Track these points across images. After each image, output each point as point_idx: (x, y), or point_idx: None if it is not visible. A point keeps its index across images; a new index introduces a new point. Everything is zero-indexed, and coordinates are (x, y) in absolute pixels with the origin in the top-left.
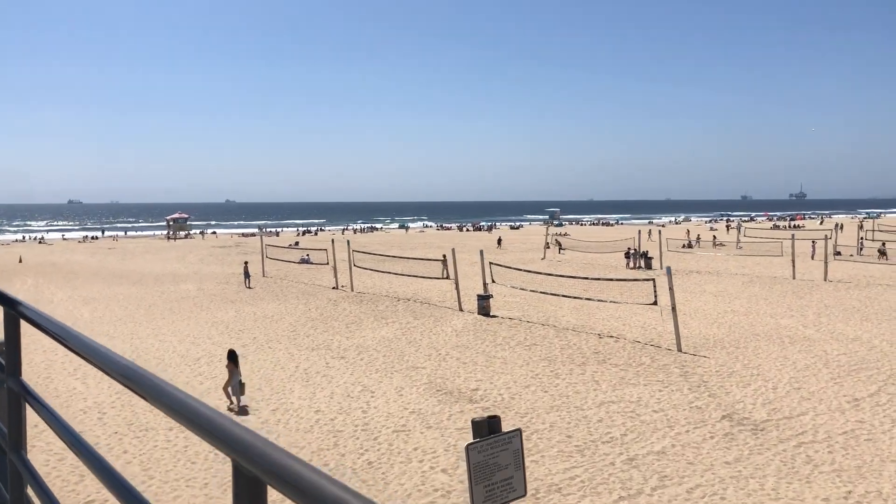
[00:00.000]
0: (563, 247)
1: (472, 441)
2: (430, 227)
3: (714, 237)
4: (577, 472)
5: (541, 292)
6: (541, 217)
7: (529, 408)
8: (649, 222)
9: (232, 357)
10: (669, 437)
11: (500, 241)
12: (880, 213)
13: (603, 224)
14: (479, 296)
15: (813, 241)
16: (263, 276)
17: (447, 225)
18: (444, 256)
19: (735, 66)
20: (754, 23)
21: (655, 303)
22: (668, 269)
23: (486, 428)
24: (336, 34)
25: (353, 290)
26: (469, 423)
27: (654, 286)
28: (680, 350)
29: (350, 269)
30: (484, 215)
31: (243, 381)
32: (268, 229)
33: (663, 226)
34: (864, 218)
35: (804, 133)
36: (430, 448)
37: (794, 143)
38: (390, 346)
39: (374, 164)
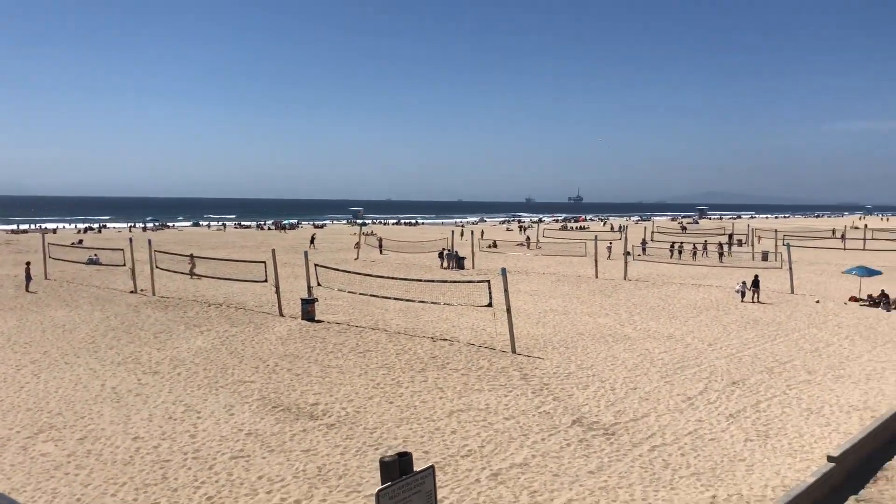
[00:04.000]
0: (383, 247)
1: (382, 486)
2: (229, 225)
3: (528, 238)
4: (444, 494)
5: (371, 295)
6: (344, 216)
7: (378, 422)
8: (456, 224)
9: None
10: (527, 446)
11: (313, 239)
12: (650, 215)
13: (406, 224)
14: (303, 299)
15: (610, 242)
16: (46, 278)
17: (246, 223)
18: (192, 255)
19: (521, 79)
20: (543, 40)
21: (490, 304)
22: (503, 270)
23: (398, 469)
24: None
25: (154, 294)
26: (315, 443)
27: (490, 287)
28: (515, 352)
29: (152, 271)
30: (284, 213)
31: None
32: (42, 226)
33: (463, 226)
34: (639, 220)
35: (584, 142)
36: (277, 476)
37: (573, 150)
38: (210, 358)
39: (164, 158)
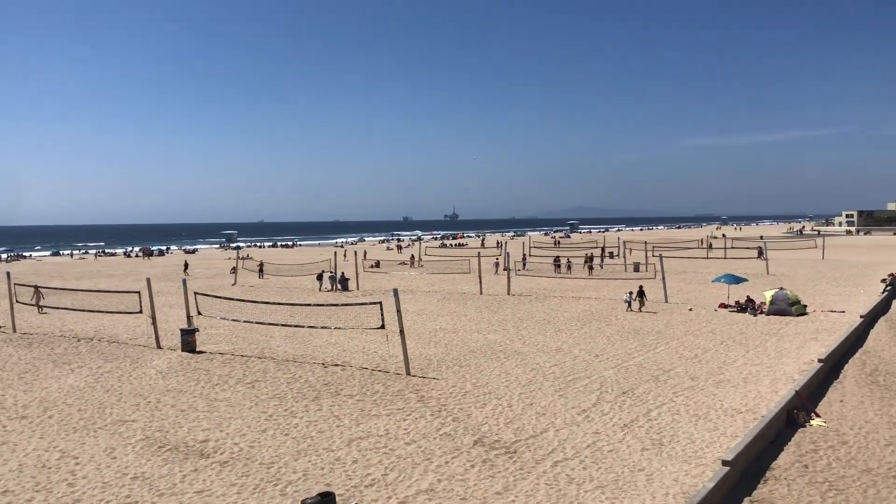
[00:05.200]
0: (263, 272)
1: None
2: (91, 252)
3: (413, 256)
4: None
5: (256, 322)
6: (216, 240)
7: (274, 456)
8: (336, 244)
9: None
10: (431, 471)
11: (186, 266)
12: (524, 231)
13: (283, 246)
14: (182, 330)
15: (496, 258)
16: None
17: (111, 251)
18: (36, 287)
19: (393, 96)
20: (411, 60)
21: (383, 326)
22: (395, 291)
23: None
24: None
25: (15, 330)
26: (209, 483)
27: (382, 309)
28: (409, 373)
29: (11, 306)
30: (152, 240)
31: None
32: None
33: (343, 246)
34: (514, 236)
35: (459, 159)
36: None
37: (449, 168)
38: (84, 398)
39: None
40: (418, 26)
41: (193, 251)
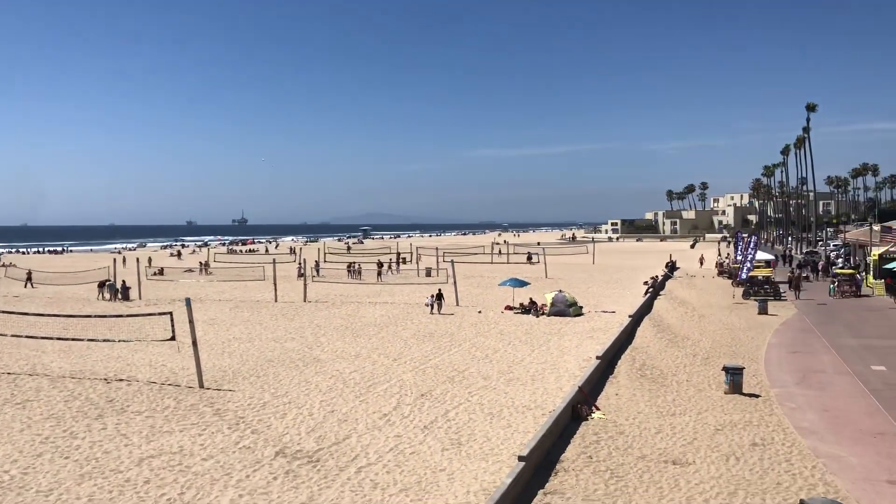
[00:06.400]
0: (32, 280)
1: None
2: None
3: (202, 263)
4: None
5: (27, 336)
6: None
7: (53, 482)
8: (114, 250)
9: None
10: (231, 486)
11: None
12: (317, 237)
13: (51, 252)
14: None
15: (299, 265)
16: None
17: None
18: None
19: (178, 94)
20: (201, 55)
21: (174, 337)
22: (188, 300)
23: None
24: None
25: None
26: None
27: (172, 320)
28: (203, 386)
29: None
30: None
31: None
32: None
33: (120, 252)
34: (307, 241)
35: (248, 163)
36: None
37: (237, 172)
38: None
39: None
40: (209, 18)
41: None
